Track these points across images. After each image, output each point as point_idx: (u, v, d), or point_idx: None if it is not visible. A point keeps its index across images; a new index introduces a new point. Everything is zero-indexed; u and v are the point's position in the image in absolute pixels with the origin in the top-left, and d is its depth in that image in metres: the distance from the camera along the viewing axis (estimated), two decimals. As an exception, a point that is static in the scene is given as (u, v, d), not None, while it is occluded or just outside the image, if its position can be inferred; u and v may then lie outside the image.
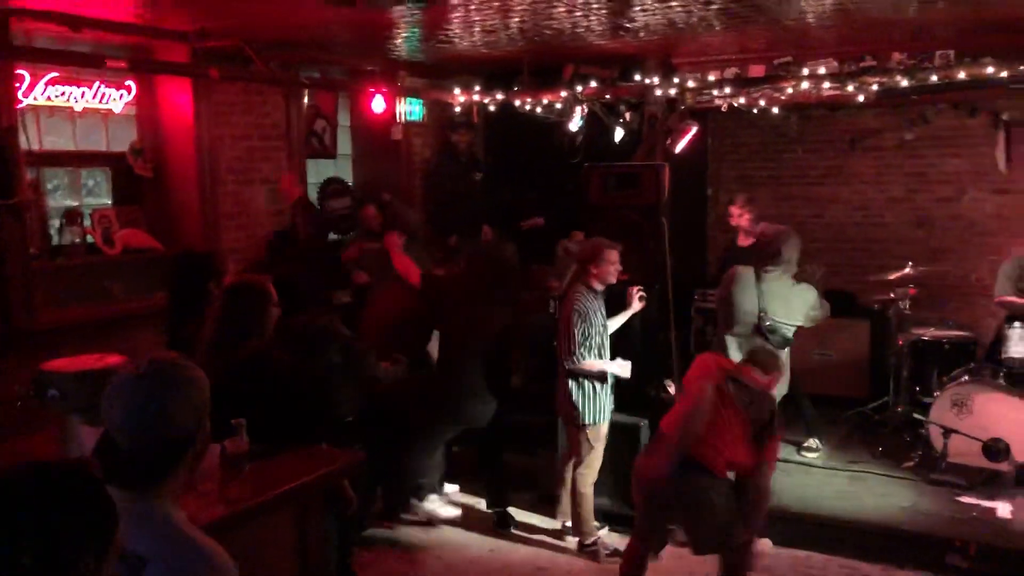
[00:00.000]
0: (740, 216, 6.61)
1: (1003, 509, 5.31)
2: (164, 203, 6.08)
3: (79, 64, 5.29)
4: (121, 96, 5.71)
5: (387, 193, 7.16)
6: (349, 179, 7.80)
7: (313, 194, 7.22)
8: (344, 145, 7.76)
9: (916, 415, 6.38)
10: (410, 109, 7.71)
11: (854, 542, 5.11)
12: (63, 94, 5.36)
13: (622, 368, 5.05)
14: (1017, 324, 5.90)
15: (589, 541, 5.17)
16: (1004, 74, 5.66)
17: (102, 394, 1.92)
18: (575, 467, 5.15)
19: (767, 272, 5.49)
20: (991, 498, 5.43)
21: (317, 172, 7.41)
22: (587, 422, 5.04)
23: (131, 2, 4.81)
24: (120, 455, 1.82)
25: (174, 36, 5.59)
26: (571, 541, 5.31)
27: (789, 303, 5.48)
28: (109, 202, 5.97)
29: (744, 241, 6.60)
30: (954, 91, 6.51)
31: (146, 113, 6.04)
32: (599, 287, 5.09)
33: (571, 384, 5.03)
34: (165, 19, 5.36)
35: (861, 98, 6.14)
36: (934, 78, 5.76)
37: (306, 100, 6.95)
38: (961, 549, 4.85)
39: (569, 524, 5.35)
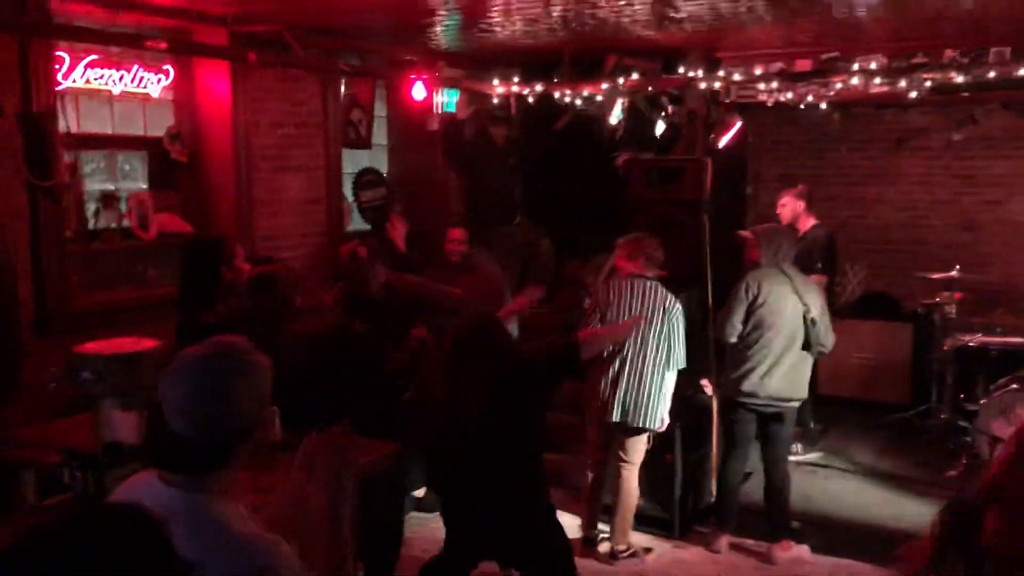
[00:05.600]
0: (782, 207, 6.38)
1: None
2: (199, 188, 6.04)
3: (119, 44, 5.21)
4: (159, 80, 5.66)
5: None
6: (384, 169, 7.73)
7: (348, 185, 7.16)
8: (379, 135, 7.68)
9: (961, 422, 6.20)
10: (447, 100, 7.61)
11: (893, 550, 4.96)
12: (101, 77, 5.31)
13: None
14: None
15: (625, 546, 4.99)
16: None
17: (160, 375, 1.79)
18: (624, 470, 4.92)
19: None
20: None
21: (352, 162, 7.35)
22: (658, 425, 4.87)
23: (172, -16, 4.78)
24: (175, 441, 1.70)
25: (213, 20, 5.54)
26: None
27: None
28: (145, 186, 5.94)
29: None
30: (1008, 90, 6.33)
31: (183, 98, 6.00)
32: None
33: (663, 387, 4.81)
34: (205, 2, 5.31)
35: (914, 94, 5.95)
36: (991, 74, 5.56)
37: (343, 89, 6.88)
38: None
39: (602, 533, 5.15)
